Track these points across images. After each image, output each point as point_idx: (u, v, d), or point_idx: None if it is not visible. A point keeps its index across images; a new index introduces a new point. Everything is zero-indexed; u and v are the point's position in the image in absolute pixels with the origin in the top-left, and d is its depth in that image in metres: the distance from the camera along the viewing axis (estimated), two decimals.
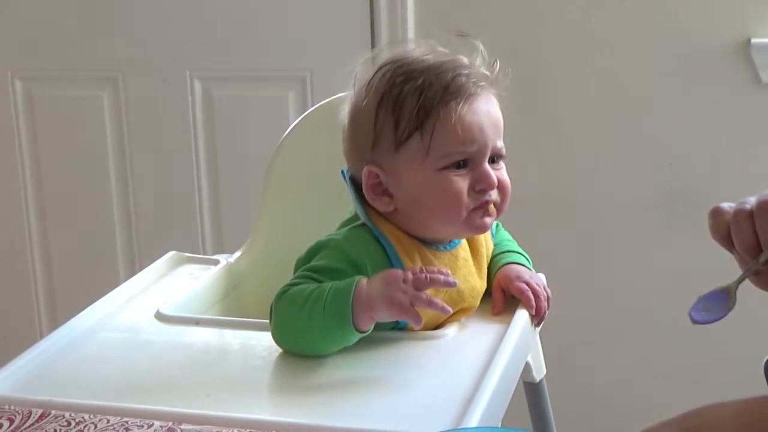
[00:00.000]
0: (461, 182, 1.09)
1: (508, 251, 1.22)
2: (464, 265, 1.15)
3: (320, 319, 1.05)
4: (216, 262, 1.37)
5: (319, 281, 1.09)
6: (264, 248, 1.39)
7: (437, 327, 1.14)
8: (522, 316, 1.14)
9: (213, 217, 2.30)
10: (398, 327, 1.12)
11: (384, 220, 1.13)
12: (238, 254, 1.39)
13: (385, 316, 1.04)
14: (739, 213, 0.94)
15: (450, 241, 1.16)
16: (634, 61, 2.02)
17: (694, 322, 0.94)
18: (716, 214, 0.96)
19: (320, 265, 1.10)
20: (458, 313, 1.15)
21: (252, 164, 2.14)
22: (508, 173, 1.14)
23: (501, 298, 1.17)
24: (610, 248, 2.11)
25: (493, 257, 1.21)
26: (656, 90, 2.03)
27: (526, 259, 1.22)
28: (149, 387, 1.01)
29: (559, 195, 2.10)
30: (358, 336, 1.06)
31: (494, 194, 1.11)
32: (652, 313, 2.12)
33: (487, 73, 1.12)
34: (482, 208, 1.11)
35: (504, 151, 1.13)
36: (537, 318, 1.16)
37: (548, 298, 1.17)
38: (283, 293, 1.08)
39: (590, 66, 2.04)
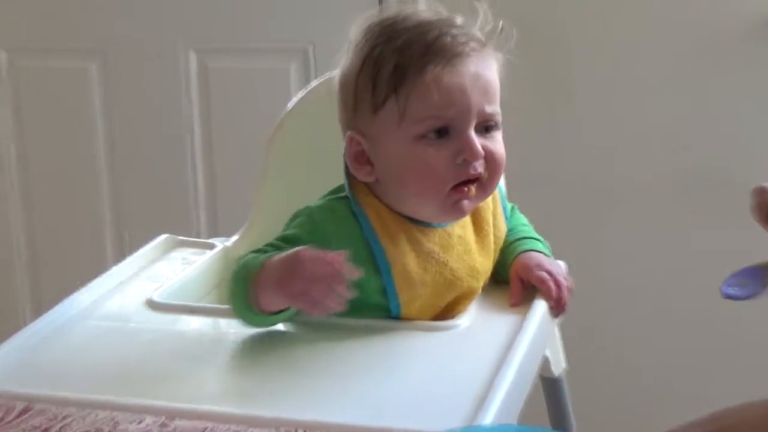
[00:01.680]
0: (438, 152, 1.08)
1: (525, 237, 1.21)
2: (459, 243, 1.15)
3: (237, 291, 1.07)
4: (212, 247, 1.37)
5: (282, 251, 1.09)
6: (263, 232, 1.38)
7: (437, 317, 1.13)
8: (540, 306, 1.14)
9: (208, 198, 2.30)
10: (391, 315, 1.12)
11: (369, 194, 1.13)
12: (235, 238, 1.39)
13: (280, 302, 1.05)
14: None
15: None
16: (653, 41, 2.02)
17: (727, 296, 0.93)
18: (759, 193, 0.96)
19: (288, 235, 1.12)
20: (461, 299, 1.14)
21: (250, 142, 2.12)
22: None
23: (519, 287, 1.16)
24: (628, 233, 2.11)
25: (510, 244, 1.20)
26: (674, 70, 2.03)
27: (545, 245, 1.22)
28: (140, 380, 1.01)
29: (573, 176, 2.10)
30: (267, 319, 1.07)
31: (480, 167, 1.09)
32: (674, 302, 2.11)
33: (480, 35, 1.10)
34: (464, 186, 1.09)
35: (499, 118, 1.11)
36: (557, 309, 1.15)
37: (570, 288, 1.17)
38: (238, 259, 1.11)
39: (608, 45, 2.03)
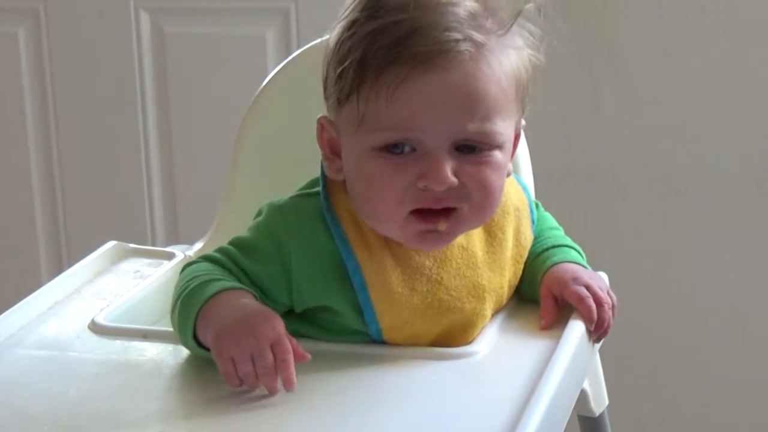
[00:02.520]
0: (396, 171, 1.07)
1: (556, 246, 1.22)
2: (460, 254, 1.15)
3: (184, 327, 1.10)
4: (170, 256, 1.38)
5: (235, 261, 1.12)
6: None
7: (435, 342, 1.14)
8: (576, 329, 1.14)
9: (166, 195, 2.30)
10: (373, 340, 1.13)
11: (346, 192, 1.14)
12: (199, 245, 1.40)
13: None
14: None
15: None
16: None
17: None
18: None
19: (243, 240, 1.14)
20: (464, 326, 1.15)
21: (218, 126, 2.13)
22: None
23: (553, 307, 1.17)
24: (689, 240, 2.11)
25: (537, 255, 1.21)
26: (757, 32, 2.02)
27: (580, 254, 1.23)
28: (82, 422, 1.01)
29: (621, 169, 2.09)
30: (205, 353, 1.08)
31: (448, 199, 1.08)
32: (755, 327, 2.11)
33: (475, 34, 1.06)
34: (427, 216, 1.08)
35: (494, 138, 1.08)
36: (598, 332, 1.16)
37: (613, 306, 1.17)
38: (186, 266, 1.15)
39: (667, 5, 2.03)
